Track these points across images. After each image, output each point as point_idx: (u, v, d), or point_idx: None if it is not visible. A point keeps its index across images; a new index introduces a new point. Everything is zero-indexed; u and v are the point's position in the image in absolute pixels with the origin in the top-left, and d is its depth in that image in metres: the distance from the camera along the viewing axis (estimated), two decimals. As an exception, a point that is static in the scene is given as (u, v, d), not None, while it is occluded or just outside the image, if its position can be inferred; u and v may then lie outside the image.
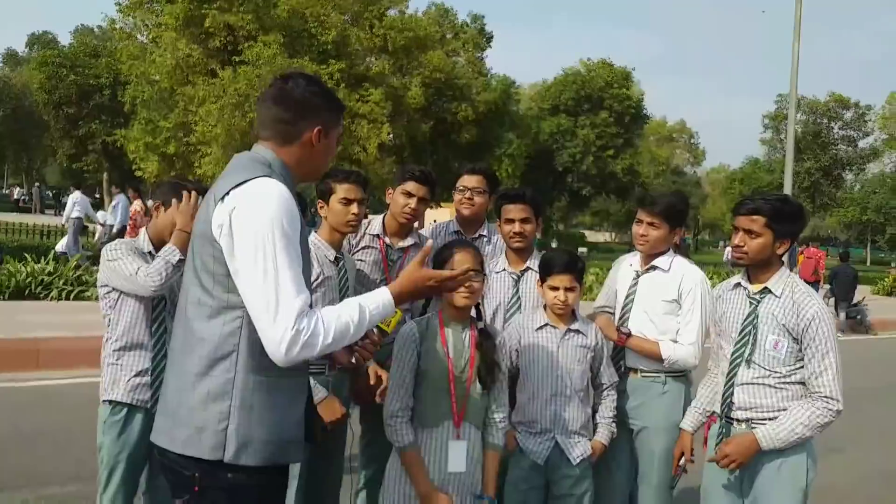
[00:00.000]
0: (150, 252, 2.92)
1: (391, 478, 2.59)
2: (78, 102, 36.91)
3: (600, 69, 39.48)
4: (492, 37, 36.05)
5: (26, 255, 11.26)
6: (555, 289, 2.95)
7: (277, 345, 1.70)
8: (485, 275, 2.58)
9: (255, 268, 1.72)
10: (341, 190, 3.04)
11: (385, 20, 27.08)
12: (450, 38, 33.48)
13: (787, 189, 14.62)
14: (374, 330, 2.26)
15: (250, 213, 1.75)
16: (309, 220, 2.86)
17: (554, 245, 39.16)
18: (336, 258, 3.09)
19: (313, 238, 3.02)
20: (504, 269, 3.35)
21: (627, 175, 39.49)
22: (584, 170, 38.52)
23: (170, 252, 2.78)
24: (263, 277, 1.71)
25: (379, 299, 1.90)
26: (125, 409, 2.83)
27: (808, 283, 12.45)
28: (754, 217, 2.67)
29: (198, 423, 1.78)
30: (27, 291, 9.59)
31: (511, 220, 3.26)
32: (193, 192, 2.89)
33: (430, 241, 2.74)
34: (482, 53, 35.01)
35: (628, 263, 3.40)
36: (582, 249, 32.91)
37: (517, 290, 3.28)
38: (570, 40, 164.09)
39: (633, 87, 40.51)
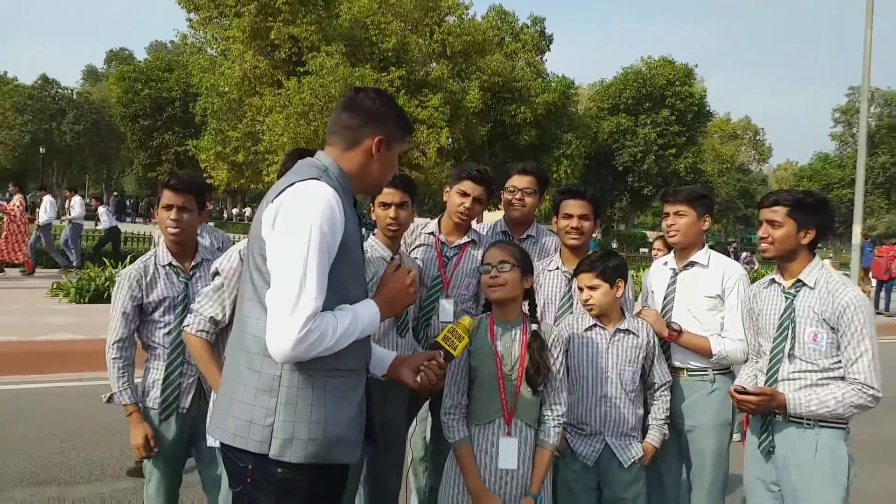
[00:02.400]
0: (169, 264, 2.94)
1: (448, 476, 2.61)
2: (152, 115, 38.63)
3: (661, 67, 38.77)
4: (552, 39, 35.87)
5: (105, 259, 11.93)
6: (581, 289, 2.96)
7: (286, 339, 1.73)
8: (517, 266, 2.57)
9: (285, 262, 1.77)
10: (380, 194, 3.03)
11: (444, 26, 27.35)
12: (509, 40, 33.47)
13: (860, 185, 14.03)
14: (441, 353, 2.24)
15: (292, 213, 1.80)
16: (365, 222, 2.86)
17: (615, 246, 38.59)
18: (392, 258, 3.08)
19: (371, 240, 3.08)
20: (558, 268, 3.27)
21: (690, 174, 38.60)
22: (645, 169, 37.87)
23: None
24: (291, 273, 1.76)
25: (369, 309, 1.95)
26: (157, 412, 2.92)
27: (881, 282, 11.95)
28: (775, 208, 2.71)
29: (246, 417, 1.83)
30: (106, 295, 10.12)
31: (569, 216, 3.21)
32: None
33: (396, 258, 2.77)
34: (542, 56, 34.87)
35: (662, 262, 3.38)
36: (643, 250, 32.35)
37: (570, 289, 3.21)
38: (629, 39, 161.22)
39: (695, 84, 39.62)
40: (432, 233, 3.41)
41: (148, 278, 2.93)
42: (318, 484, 1.88)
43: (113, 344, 2.92)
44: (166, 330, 2.92)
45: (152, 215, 41.20)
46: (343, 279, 1.90)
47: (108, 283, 10.24)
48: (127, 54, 61.13)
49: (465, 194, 3.30)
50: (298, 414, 1.82)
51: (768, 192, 2.87)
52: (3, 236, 12.73)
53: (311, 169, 1.93)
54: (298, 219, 1.79)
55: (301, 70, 22.88)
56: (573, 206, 3.21)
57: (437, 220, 3.49)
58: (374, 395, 2.81)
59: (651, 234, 55.83)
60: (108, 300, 10.01)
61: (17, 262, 12.94)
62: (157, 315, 2.94)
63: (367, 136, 1.98)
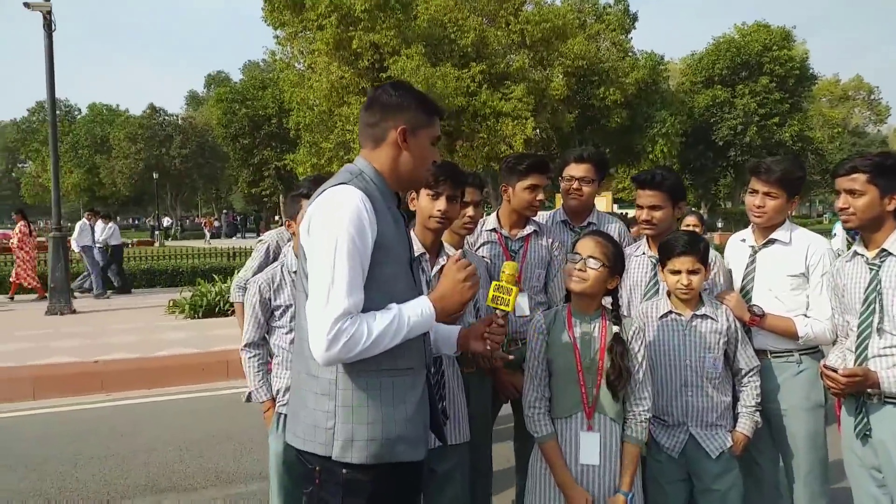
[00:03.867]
0: (296, 271, 3.05)
1: (534, 473, 2.60)
2: (251, 133, 40.42)
3: (756, 32, 36.74)
4: (636, 17, 34.81)
5: (215, 276, 12.60)
6: (676, 272, 2.80)
7: (319, 341, 1.78)
8: (606, 266, 2.50)
9: (317, 268, 1.83)
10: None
11: (521, 15, 27.10)
12: (591, 22, 32.72)
13: None
14: (497, 312, 2.16)
15: (321, 218, 1.86)
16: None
17: (720, 225, 36.92)
18: (451, 254, 2.83)
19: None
20: (644, 253, 3.21)
21: (798, 142, 36.36)
22: (747, 141, 35.98)
23: None
24: (321, 277, 1.81)
25: (419, 307, 1.93)
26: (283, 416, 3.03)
27: None
28: (854, 175, 2.55)
29: (311, 422, 1.90)
30: (216, 309, 10.71)
31: (641, 207, 3.14)
32: None
33: (457, 253, 2.57)
34: (627, 35, 33.88)
35: (740, 239, 3.21)
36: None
37: (656, 275, 3.13)
38: (720, 8, 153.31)
39: (794, 47, 37.31)
40: (494, 229, 3.38)
41: (275, 285, 3.09)
42: (383, 483, 1.90)
43: (245, 346, 3.12)
44: (292, 336, 3.01)
45: (261, 230, 43.31)
46: (386, 279, 1.92)
47: (218, 298, 10.81)
48: (223, 76, 64.25)
49: (535, 187, 3.28)
50: (355, 415, 1.86)
51: (843, 160, 2.68)
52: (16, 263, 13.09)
53: (344, 174, 1.98)
54: (325, 224, 1.84)
55: (384, 76, 23.26)
56: (643, 197, 3.14)
57: (494, 215, 3.45)
58: (460, 390, 2.80)
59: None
60: (220, 314, 10.61)
61: (29, 287, 13.21)
62: (283, 321, 3.08)
63: (390, 129, 1.98)
